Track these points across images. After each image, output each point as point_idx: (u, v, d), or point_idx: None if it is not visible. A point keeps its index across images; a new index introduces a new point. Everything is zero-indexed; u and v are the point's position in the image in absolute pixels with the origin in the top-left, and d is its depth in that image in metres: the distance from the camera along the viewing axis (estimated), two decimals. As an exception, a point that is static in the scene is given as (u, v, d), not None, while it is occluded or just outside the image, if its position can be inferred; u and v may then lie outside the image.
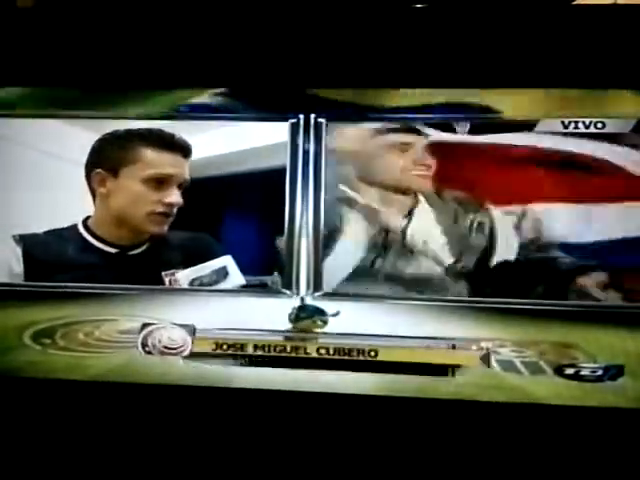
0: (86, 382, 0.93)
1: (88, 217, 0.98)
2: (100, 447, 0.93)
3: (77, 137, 0.97)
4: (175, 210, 0.96)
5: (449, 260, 0.91)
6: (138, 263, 0.97)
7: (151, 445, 0.93)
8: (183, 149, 0.96)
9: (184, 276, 0.95)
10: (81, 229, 0.98)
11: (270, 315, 0.92)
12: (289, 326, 0.92)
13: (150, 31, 0.95)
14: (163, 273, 0.95)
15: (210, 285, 0.94)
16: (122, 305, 0.94)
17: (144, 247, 0.97)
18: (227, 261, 0.95)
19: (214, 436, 0.93)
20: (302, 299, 0.92)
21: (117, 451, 0.93)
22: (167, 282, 0.95)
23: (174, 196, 0.95)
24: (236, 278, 0.94)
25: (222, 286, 0.94)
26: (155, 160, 0.95)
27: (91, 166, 0.96)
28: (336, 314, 0.91)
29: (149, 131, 0.96)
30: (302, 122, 0.94)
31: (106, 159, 0.96)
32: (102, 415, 0.94)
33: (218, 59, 0.95)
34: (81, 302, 0.94)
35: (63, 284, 0.95)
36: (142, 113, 0.96)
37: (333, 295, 0.92)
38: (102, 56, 0.95)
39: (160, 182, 0.95)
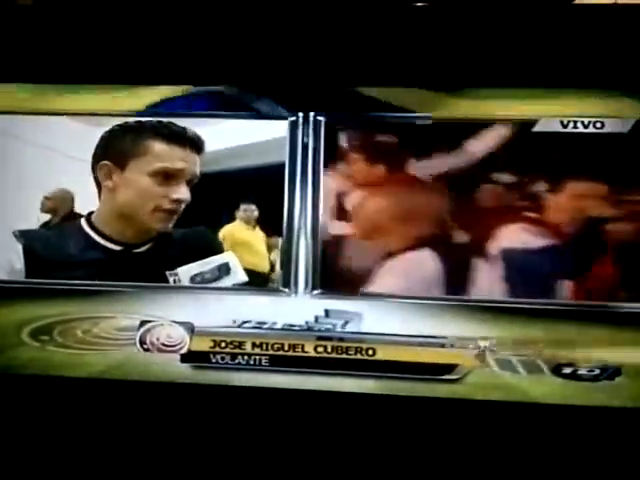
0: (84, 379, 0.93)
1: (91, 213, 0.96)
2: (98, 444, 0.93)
3: (79, 132, 0.96)
4: (182, 207, 0.93)
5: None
6: (142, 261, 0.95)
7: (149, 442, 0.93)
8: (195, 144, 0.93)
9: (186, 271, 0.94)
10: (84, 225, 0.96)
11: (269, 313, 0.92)
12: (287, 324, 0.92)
13: (149, 27, 0.95)
14: (167, 273, 0.94)
15: (212, 281, 0.94)
16: (120, 302, 0.94)
17: (149, 245, 0.96)
18: (229, 258, 0.94)
19: (212, 434, 0.93)
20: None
21: (115, 448, 0.93)
22: (171, 281, 0.94)
23: (182, 192, 0.92)
24: (238, 275, 0.94)
25: (224, 282, 0.94)
26: (164, 154, 0.92)
27: (98, 158, 0.94)
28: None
29: (160, 124, 0.93)
30: (301, 120, 0.94)
31: (114, 151, 0.93)
32: (100, 412, 0.94)
33: (219, 57, 0.95)
34: (79, 299, 0.94)
35: (61, 282, 0.94)
36: (141, 109, 0.96)
37: (331, 294, 0.92)
38: (101, 52, 0.95)
39: (168, 177, 0.92)
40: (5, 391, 0.94)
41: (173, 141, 0.93)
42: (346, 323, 0.91)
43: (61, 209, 0.96)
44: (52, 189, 0.96)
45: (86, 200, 0.96)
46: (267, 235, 0.95)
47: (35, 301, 0.94)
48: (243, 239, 0.95)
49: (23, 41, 0.96)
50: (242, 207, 0.94)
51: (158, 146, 0.93)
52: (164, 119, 0.94)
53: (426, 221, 0.92)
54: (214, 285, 0.94)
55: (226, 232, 0.95)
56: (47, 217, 0.97)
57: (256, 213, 0.94)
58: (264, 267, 0.94)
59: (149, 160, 0.92)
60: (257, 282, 0.94)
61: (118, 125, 0.95)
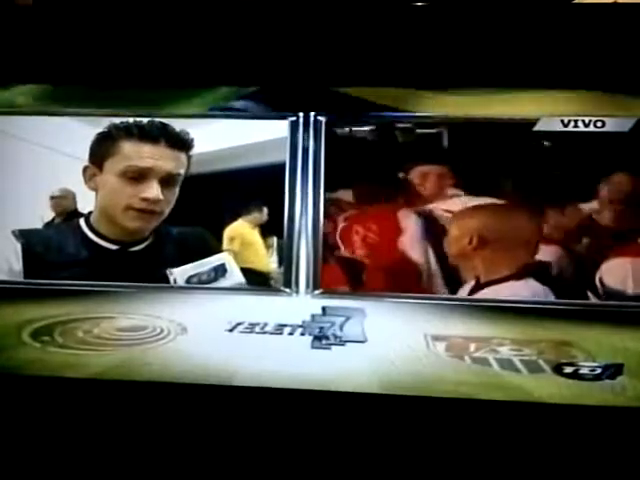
0: (85, 380, 0.93)
1: (90, 212, 0.97)
2: (99, 445, 0.93)
3: (79, 133, 0.96)
4: (158, 207, 0.93)
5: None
6: (139, 260, 0.96)
7: (149, 443, 0.93)
8: (176, 141, 0.93)
9: (181, 273, 0.94)
10: (83, 225, 0.97)
11: (269, 313, 0.92)
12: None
13: (150, 28, 0.95)
14: (168, 271, 0.94)
15: (208, 282, 0.94)
16: (121, 303, 0.94)
17: (146, 243, 0.96)
18: (225, 259, 0.94)
19: (214, 434, 0.93)
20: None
21: (116, 449, 0.93)
22: (172, 280, 0.94)
23: (151, 191, 0.91)
24: (234, 276, 0.94)
25: (220, 284, 0.94)
26: (132, 152, 0.92)
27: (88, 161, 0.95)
28: None
29: (133, 123, 0.93)
30: (302, 120, 0.94)
31: (94, 153, 0.95)
32: (101, 413, 0.94)
33: (218, 57, 0.95)
34: (80, 299, 0.94)
35: (61, 282, 0.95)
36: (141, 110, 0.96)
37: (332, 293, 0.92)
38: (101, 53, 0.95)
39: (137, 175, 0.92)
40: (6, 392, 0.94)
41: (143, 139, 0.93)
42: (347, 320, 0.91)
43: (64, 208, 0.97)
44: (53, 189, 0.96)
45: (87, 200, 0.96)
46: (264, 235, 0.95)
47: (35, 301, 0.94)
48: (251, 239, 0.95)
49: (23, 42, 0.96)
50: (253, 208, 0.95)
51: (127, 145, 0.93)
52: (148, 119, 0.94)
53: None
54: (215, 285, 0.94)
55: (235, 232, 0.95)
56: (50, 216, 0.97)
57: (266, 216, 0.94)
58: (269, 267, 0.95)
59: (118, 160, 0.93)
60: (262, 282, 0.95)
61: (105, 127, 0.95)
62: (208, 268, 0.94)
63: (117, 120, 0.94)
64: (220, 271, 0.94)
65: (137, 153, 0.92)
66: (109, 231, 0.96)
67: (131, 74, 0.95)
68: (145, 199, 0.92)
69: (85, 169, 0.95)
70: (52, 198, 0.96)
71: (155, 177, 0.92)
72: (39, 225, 0.97)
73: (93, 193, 0.96)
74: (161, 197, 0.92)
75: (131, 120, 0.94)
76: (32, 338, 0.94)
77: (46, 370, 0.93)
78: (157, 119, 0.94)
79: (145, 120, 0.94)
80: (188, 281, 0.94)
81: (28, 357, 0.94)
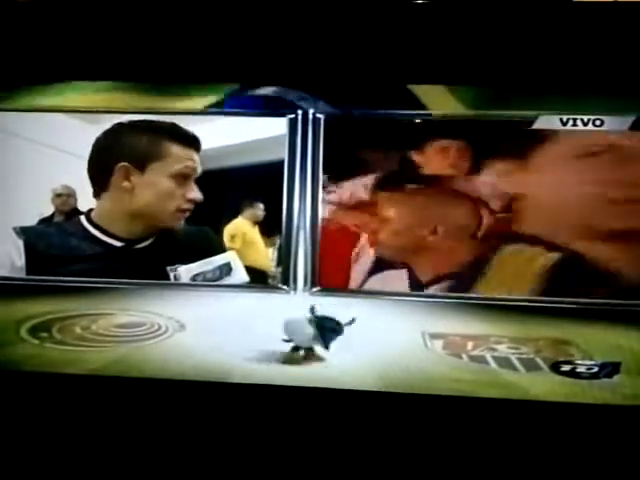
0: (83, 376, 0.93)
1: (91, 210, 0.97)
2: (97, 441, 0.93)
3: (78, 130, 0.96)
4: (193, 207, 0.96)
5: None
6: (143, 257, 0.96)
7: (147, 439, 0.93)
8: (196, 143, 0.96)
9: (186, 270, 0.95)
10: (84, 222, 0.97)
11: (268, 311, 0.92)
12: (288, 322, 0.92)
13: (148, 26, 0.95)
14: (168, 268, 0.95)
15: (213, 281, 0.94)
16: (120, 299, 0.94)
17: (150, 241, 0.97)
18: (230, 258, 0.95)
19: (212, 431, 0.93)
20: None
21: (113, 445, 0.93)
22: (172, 277, 0.95)
23: (196, 192, 0.95)
24: (239, 275, 0.95)
25: (225, 282, 0.94)
26: (182, 155, 0.95)
27: (114, 159, 0.95)
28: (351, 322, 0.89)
29: (174, 125, 0.95)
30: (300, 118, 0.94)
31: (132, 153, 0.95)
32: (99, 409, 0.94)
33: (219, 55, 0.95)
34: (78, 296, 0.94)
35: (60, 278, 0.95)
36: (141, 107, 0.96)
37: (330, 291, 0.92)
38: (100, 50, 0.95)
39: (184, 178, 0.95)
40: (4, 388, 0.94)
41: (185, 142, 0.95)
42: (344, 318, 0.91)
43: (70, 206, 0.97)
44: (55, 186, 0.97)
45: (85, 197, 0.97)
46: (264, 233, 0.95)
47: (34, 298, 0.95)
48: (252, 237, 0.95)
49: (23, 38, 0.96)
50: (250, 205, 0.95)
51: (175, 148, 0.95)
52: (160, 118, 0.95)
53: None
54: (214, 283, 0.94)
55: (236, 230, 0.96)
56: (48, 213, 0.97)
57: (262, 212, 0.95)
58: (269, 265, 0.95)
59: (169, 162, 0.95)
60: (262, 280, 0.95)
61: (130, 125, 0.95)
62: (213, 267, 0.94)
63: (156, 119, 0.95)
64: (225, 270, 0.94)
65: (185, 157, 0.95)
66: (119, 228, 0.97)
67: (131, 69, 0.95)
68: (191, 200, 0.95)
69: (120, 168, 0.95)
70: (58, 196, 0.97)
71: (193, 179, 0.95)
72: (38, 221, 0.97)
73: (91, 191, 0.96)
74: (202, 198, 0.95)
75: (168, 123, 0.95)
76: (30, 334, 0.94)
77: (44, 366, 0.94)
78: (174, 119, 0.95)
79: (181, 123, 0.95)
80: (193, 279, 0.95)
81: (26, 353, 0.94)
